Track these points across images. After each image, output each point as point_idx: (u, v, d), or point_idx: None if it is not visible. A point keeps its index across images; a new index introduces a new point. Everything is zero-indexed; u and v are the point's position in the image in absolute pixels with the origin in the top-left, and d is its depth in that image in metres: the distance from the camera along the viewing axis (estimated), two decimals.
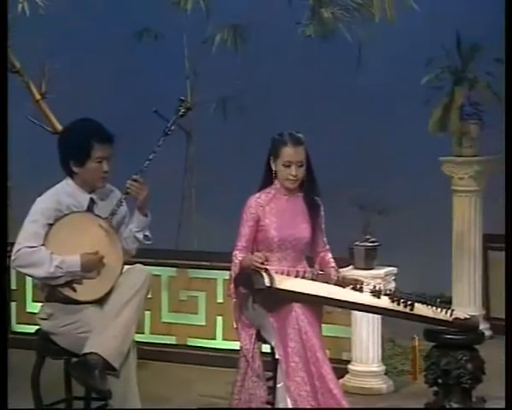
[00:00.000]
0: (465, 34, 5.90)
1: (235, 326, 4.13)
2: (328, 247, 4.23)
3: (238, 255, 4.03)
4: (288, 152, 4.04)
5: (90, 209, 4.04)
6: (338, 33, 5.63)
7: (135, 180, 4.02)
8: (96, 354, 3.77)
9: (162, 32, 6.15)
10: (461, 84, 5.93)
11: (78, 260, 3.88)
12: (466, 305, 5.93)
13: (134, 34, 6.22)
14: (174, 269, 5.65)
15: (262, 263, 3.90)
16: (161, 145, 4.06)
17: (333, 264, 4.19)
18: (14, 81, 5.65)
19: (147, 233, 4.14)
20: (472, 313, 4.42)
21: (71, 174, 4.03)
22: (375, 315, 4.74)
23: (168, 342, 5.64)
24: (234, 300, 4.10)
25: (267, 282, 3.85)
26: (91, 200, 4.05)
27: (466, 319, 4.05)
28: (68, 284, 3.91)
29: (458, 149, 6.08)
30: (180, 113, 4.15)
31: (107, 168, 4.01)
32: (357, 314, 4.90)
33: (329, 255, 4.22)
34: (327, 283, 4.04)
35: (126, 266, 4.07)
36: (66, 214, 3.94)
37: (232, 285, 4.05)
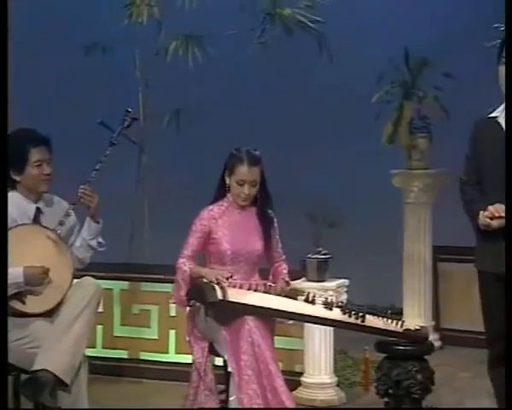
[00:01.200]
0: (413, 49, 5.99)
1: (187, 340, 4.13)
2: (283, 257, 4.26)
3: (187, 264, 4.03)
4: (243, 171, 4.06)
5: (36, 219, 4.03)
6: (296, 35, 5.66)
7: (83, 190, 4.02)
8: (46, 370, 3.73)
9: (114, 44, 6.12)
10: (410, 98, 6.02)
11: (21, 272, 3.86)
12: (416, 316, 6.00)
13: (83, 47, 6.18)
14: (126, 283, 5.62)
15: (227, 279, 3.92)
16: (108, 155, 4.11)
17: (284, 275, 4.21)
18: None
19: (100, 240, 4.15)
20: (422, 324, 4.48)
21: (14, 185, 4.04)
22: (328, 327, 4.77)
23: (120, 357, 5.60)
24: (187, 312, 4.10)
25: (220, 295, 3.86)
26: (37, 209, 4.05)
27: (416, 330, 4.11)
28: (16, 296, 3.87)
29: (408, 162, 6.17)
30: (125, 124, 4.18)
31: (48, 171, 4.05)
32: (309, 326, 4.93)
33: (284, 266, 4.24)
34: (279, 295, 4.07)
35: (76, 280, 4.05)
36: (11, 228, 3.90)
37: (182, 293, 4.03)
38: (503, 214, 3.69)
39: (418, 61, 5.98)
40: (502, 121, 3.80)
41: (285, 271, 4.22)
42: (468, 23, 6.10)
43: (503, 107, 3.83)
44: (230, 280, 3.94)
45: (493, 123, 3.82)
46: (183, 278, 4.03)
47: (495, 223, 3.71)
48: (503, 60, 3.75)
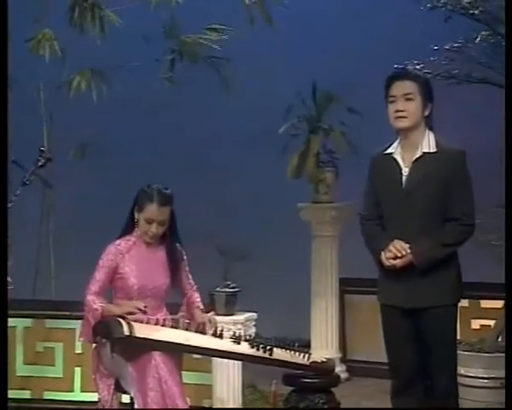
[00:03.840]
0: (320, 84, 6.13)
1: (93, 377, 4.07)
2: (195, 287, 4.27)
3: (97, 302, 3.99)
4: (153, 210, 4.05)
5: None
6: (202, 68, 5.70)
7: None
8: None
9: (18, 78, 6.04)
10: (316, 132, 6.14)
11: None
12: (324, 348, 6.09)
13: None
14: (30, 320, 5.51)
15: (143, 308, 3.90)
16: (19, 195, 4.01)
17: (198, 304, 4.23)
18: None
19: (8, 279, 4.05)
20: (328, 357, 4.55)
21: None
22: (236, 361, 4.79)
23: (23, 397, 5.46)
24: (93, 348, 4.05)
25: (126, 331, 3.84)
26: None
27: (323, 362, 4.17)
28: None
29: (315, 195, 6.28)
30: (39, 163, 4.11)
31: None
32: (217, 360, 4.93)
33: (196, 295, 4.25)
34: (187, 329, 4.07)
35: None
36: None
37: (90, 331, 3.99)
38: (405, 252, 3.81)
39: (324, 96, 6.12)
40: (397, 157, 3.94)
41: (198, 300, 4.24)
42: (373, 59, 6.29)
43: (397, 143, 3.97)
44: (142, 314, 3.91)
45: (389, 159, 3.96)
46: (93, 317, 3.99)
47: (399, 263, 3.83)
48: (390, 99, 3.92)
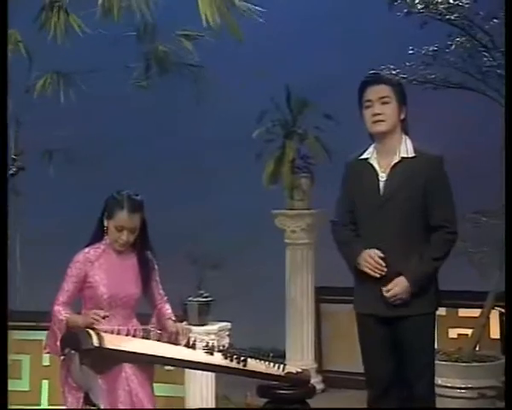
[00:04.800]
0: (295, 89, 6.13)
1: (61, 390, 4.02)
2: (165, 298, 4.23)
3: (62, 312, 3.95)
4: (123, 217, 4.01)
5: None
6: (175, 73, 5.67)
7: None
8: None
9: None
10: (291, 138, 6.14)
11: None
12: (299, 358, 6.09)
13: None
14: None
15: (103, 318, 3.86)
16: None
17: (169, 315, 4.19)
18: None
19: None
20: (304, 367, 4.54)
21: None
22: (209, 372, 4.76)
23: None
24: (61, 360, 4.00)
25: (95, 342, 3.79)
26: None
27: (298, 373, 4.15)
28: None
29: (290, 202, 6.27)
30: (11, 172, 4.06)
31: None
32: (190, 372, 4.90)
33: (167, 307, 4.21)
34: (159, 340, 4.04)
35: None
36: None
37: (58, 342, 3.94)
38: (382, 263, 3.80)
39: (299, 101, 6.12)
40: (374, 162, 3.94)
41: (169, 311, 4.20)
42: (348, 64, 6.30)
43: (372, 148, 3.97)
44: (112, 325, 3.87)
45: (365, 164, 3.96)
46: (59, 327, 3.95)
47: (377, 274, 3.82)
48: (366, 104, 3.93)
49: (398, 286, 3.81)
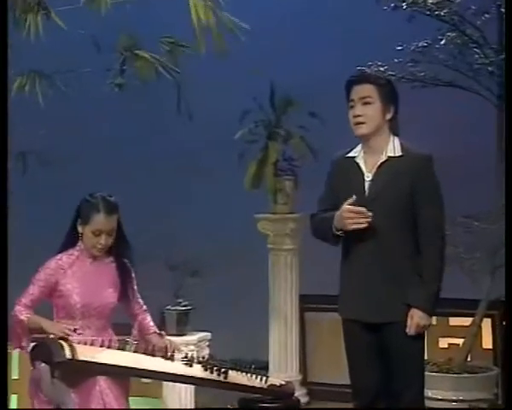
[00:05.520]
0: (279, 87, 6.12)
1: (31, 404, 3.99)
2: (144, 308, 4.20)
3: (23, 312, 3.92)
4: (100, 220, 3.98)
5: None
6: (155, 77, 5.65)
7: None
8: None
9: None
10: (274, 138, 6.13)
11: None
12: (283, 370, 6.08)
13: None
14: None
15: (74, 331, 3.84)
16: None
17: (153, 328, 4.17)
18: None
19: None
20: (288, 379, 4.53)
21: None
22: (188, 385, 4.74)
23: None
24: (30, 373, 3.97)
25: (68, 353, 3.76)
26: None
27: (281, 385, 4.15)
28: None
29: (274, 206, 6.26)
30: None
31: None
32: (168, 385, 4.88)
33: (148, 318, 4.19)
34: (135, 352, 4.01)
35: None
36: None
37: (24, 343, 3.94)
38: (363, 209, 3.76)
39: (283, 100, 6.12)
40: (360, 162, 3.94)
41: (151, 323, 4.18)
42: (334, 61, 6.31)
43: (359, 148, 3.97)
44: (78, 333, 3.84)
45: (351, 163, 3.96)
46: (21, 328, 3.92)
47: (365, 223, 3.78)
48: (350, 104, 3.94)
49: (414, 317, 3.82)
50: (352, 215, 3.79)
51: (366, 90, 3.91)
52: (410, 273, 3.85)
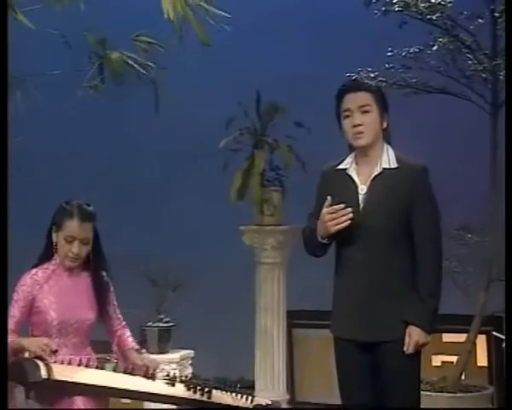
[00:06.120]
0: (265, 93, 6.12)
1: None
2: (124, 323, 4.19)
3: (8, 337, 3.87)
4: (73, 226, 3.97)
5: None
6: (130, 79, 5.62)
7: None
8: None
9: None
10: (261, 146, 6.12)
11: None
12: (269, 389, 6.06)
13: None
14: None
15: (53, 352, 3.79)
16: None
17: (132, 344, 4.14)
18: None
19: None
20: (274, 399, 4.52)
21: None
22: (170, 405, 4.71)
23: None
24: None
25: (44, 373, 3.72)
26: None
27: (268, 405, 4.12)
28: None
29: (260, 217, 6.25)
30: None
31: None
32: (149, 405, 4.85)
33: (128, 334, 4.17)
34: (115, 371, 3.99)
35: None
36: None
37: None
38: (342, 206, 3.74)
39: (269, 107, 6.11)
40: (352, 174, 3.92)
41: (131, 339, 4.16)
42: (322, 67, 6.31)
43: (351, 158, 3.96)
44: (57, 355, 3.82)
45: (343, 175, 3.94)
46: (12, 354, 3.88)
47: (348, 220, 3.76)
48: (345, 113, 3.91)
49: (412, 335, 3.81)
50: (331, 216, 3.77)
51: (364, 98, 3.89)
52: (407, 290, 3.84)
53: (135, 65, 5.20)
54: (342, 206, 3.77)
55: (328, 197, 3.79)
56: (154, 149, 6.92)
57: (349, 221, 3.77)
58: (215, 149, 5.96)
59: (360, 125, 3.87)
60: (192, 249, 6.77)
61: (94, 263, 4.08)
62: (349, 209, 3.77)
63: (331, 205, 3.78)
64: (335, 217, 3.77)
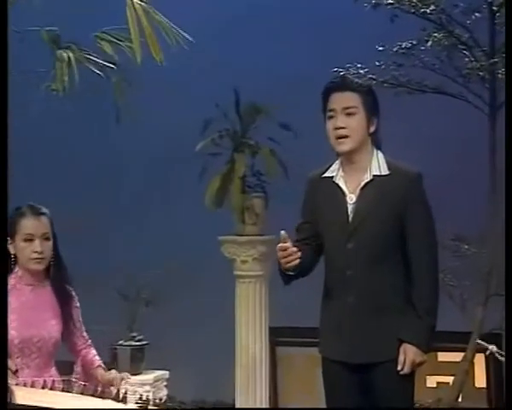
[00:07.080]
0: (245, 93, 6.08)
1: None
2: (89, 342, 4.16)
3: None
4: (28, 224, 3.97)
5: None
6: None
7: None
8: None
9: None
10: (241, 150, 6.10)
11: None
12: None
13: None
14: None
15: (14, 373, 3.74)
16: None
17: (98, 362, 4.10)
18: None
19: None
20: None
21: None
22: None
23: None
24: None
25: None
26: None
27: None
28: None
29: (241, 226, 6.22)
30: None
31: None
32: None
33: (93, 352, 4.13)
34: (82, 393, 3.93)
35: None
36: None
37: None
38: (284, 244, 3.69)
39: (250, 108, 6.09)
40: (340, 182, 3.88)
41: (97, 357, 4.12)
42: (309, 63, 6.30)
43: (337, 165, 3.91)
44: (18, 376, 3.76)
45: (330, 184, 3.90)
46: None
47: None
48: (329, 114, 3.86)
49: (408, 354, 3.77)
50: (280, 254, 3.74)
51: (349, 98, 3.84)
52: (402, 305, 3.81)
53: (90, 66, 5.16)
54: (289, 245, 3.69)
55: (282, 232, 3.74)
56: (127, 155, 6.88)
57: (298, 260, 3.71)
58: (193, 154, 5.92)
59: (343, 127, 3.82)
60: (168, 261, 6.72)
61: (55, 273, 4.03)
62: (294, 249, 3.70)
63: (284, 240, 3.71)
64: (284, 255, 3.72)
